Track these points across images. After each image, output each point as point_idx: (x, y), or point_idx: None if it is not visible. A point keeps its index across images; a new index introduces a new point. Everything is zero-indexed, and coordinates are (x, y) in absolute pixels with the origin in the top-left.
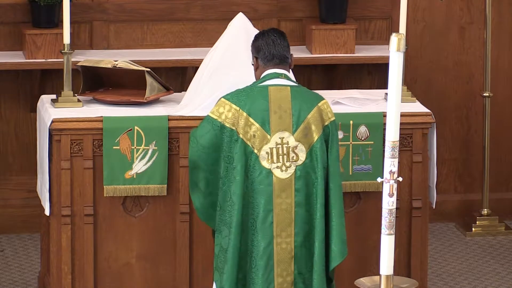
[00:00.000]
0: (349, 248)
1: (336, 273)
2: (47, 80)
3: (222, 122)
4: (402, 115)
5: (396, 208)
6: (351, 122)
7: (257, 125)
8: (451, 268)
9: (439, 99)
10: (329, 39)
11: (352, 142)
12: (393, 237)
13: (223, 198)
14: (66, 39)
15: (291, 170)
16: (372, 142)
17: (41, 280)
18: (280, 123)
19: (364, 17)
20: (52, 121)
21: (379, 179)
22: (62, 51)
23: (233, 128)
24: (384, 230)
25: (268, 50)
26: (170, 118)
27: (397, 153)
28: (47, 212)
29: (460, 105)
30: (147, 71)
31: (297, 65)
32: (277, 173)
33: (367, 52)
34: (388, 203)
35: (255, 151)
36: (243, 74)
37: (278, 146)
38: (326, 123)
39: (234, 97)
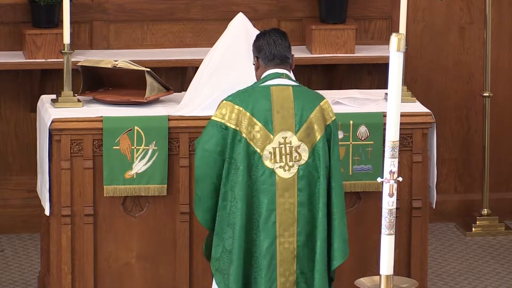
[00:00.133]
0: (349, 248)
1: (336, 273)
2: (47, 80)
3: (226, 123)
4: (402, 115)
5: (396, 208)
6: (351, 122)
7: (260, 125)
8: (451, 268)
9: (439, 99)
10: (329, 39)
11: (352, 142)
12: (393, 237)
13: (223, 198)
14: (66, 39)
15: (294, 169)
16: (372, 142)
17: (41, 280)
18: (283, 123)
19: (364, 17)
20: (52, 121)
21: (379, 179)
22: (62, 51)
23: (237, 128)
24: (384, 230)
25: (269, 50)
26: (170, 118)
27: (397, 153)
28: (47, 212)
29: (460, 105)
30: (147, 71)
31: (297, 65)
32: (280, 173)
33: (367, 52)
34: (388, 203)
35: (258, 151)
36: (243, 74)
37: (281, 145)
38: (328, 123)
39: (236, 98)
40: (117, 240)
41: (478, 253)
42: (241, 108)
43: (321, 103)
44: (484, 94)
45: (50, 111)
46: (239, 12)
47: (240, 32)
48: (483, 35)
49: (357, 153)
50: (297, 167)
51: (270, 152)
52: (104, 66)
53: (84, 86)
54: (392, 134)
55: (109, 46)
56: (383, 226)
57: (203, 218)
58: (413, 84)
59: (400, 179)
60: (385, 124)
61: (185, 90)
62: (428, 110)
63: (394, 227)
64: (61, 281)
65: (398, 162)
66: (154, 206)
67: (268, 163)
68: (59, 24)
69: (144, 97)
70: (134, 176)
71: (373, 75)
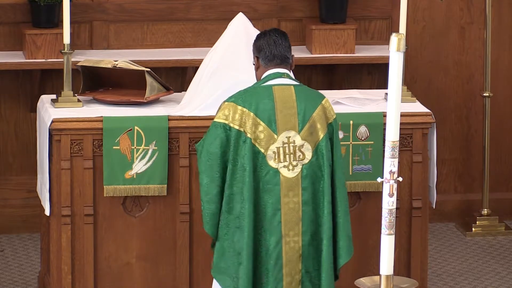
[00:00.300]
0: None
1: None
2: (47, 80)
3: (229, 124)
4: (402, 115)
5: (396, 208)
6: (351, 122)
7: (263, 125)
8: (451, 268)
9: (439, 99)
10: (329, 39)
11: (352, 142)
12: (393, 237)
13: (228, 201)
14: (66, 39)
15: (298, 169)
16: (372, 142)
17: (41, 280)
18: (286, 122)
19: (364, 17)
20: (52, 121)
21: (379, 179)
22: (62, 51)
23: (241, 129)
24: (384, 230)
25: (269, 50)
26: (170, 118)
27: (397, 153)
28: (47, 212)
29: (460, 105)
30: (147, 71)
31: (297, 65)
32: (284, 172)
33: (367, 52)
34: (388, 203)
35: (262, 151)
36: (243, 74)
37: (284, 145)
38: (330, 121)
39: (238, 98)
40: (117, 240)
41: (478, 253)
42: (244, 109)
43: (323, 102)
44: (484, 94)
45: (50, 111)
46: (239, 12)
47: (240, 32)
48: (483, 35)
49: (357, 153)
50: (301, 166)
51: (274, 152)
52: (104, 66)
53: (84, 86)
54: (392, 134)
55: (109, 46)
56: (383, 226)
57: (213, 226)
58: (413, 84)
59: (400, 179)
60: (385, 124)
61: (185, 90)
62: (428, 110)
63: (394, 227)
64: (61, 281)
65: (398, 162)
66: (154, 206)
67: (272, 163)
68: (59, 24)
69: (144, 97)
70: (134, 176)
71: (373, 75)
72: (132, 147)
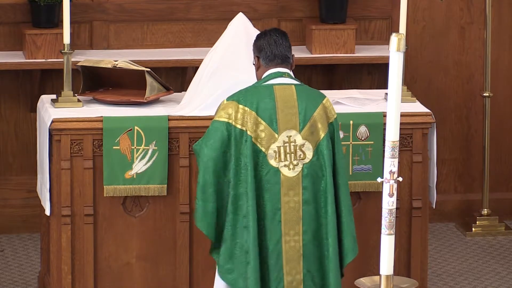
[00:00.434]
0: None
1: None
2: (47, 80)
3: (232, 123)
4: (402, 115)
5: (396, 208)
6: (351, 122)
7: (264, 124)
8: (451, 268)
9: (439, 99)
10: (329, 39)
11: (352, 142)
12: (393, 237)
13: (234, 201)
14: (66, 39)
15: (299, 168)
16: (372, 142)
17: (41, 280)
18: (287, 122)
19: (364, 17)
20: (52, 121)
21: (379, 179)
22: (62, 51)
23: (243, 128)
24: (384, 230)
25: (270, 50)
26: (170, 118)
27: (397, 153)
28: (47, 212)
29: (460, 105)
30: (147, 71)
31: (297, 65)
32: (284, 171)
33: (367, 52)
34: (388, 203)
35: (263, 150)
36: (243, 74)
37: (285, 144)
38: (331, 120)
39: (240, 97)
40: (117, 240)
41: (478, 253)
42: (246, 108)
43: (324, 101)
44: (484, 94)
45: (50, 111)
46: (239, 12)
47: (240, 32)
48: (483, 35)
49: (357, 153)
50: (301, 166)
51: (274, 151)
52: (104, 66)
53: (84, 86)
54: (392, 134)
55: (109, 46)
56: (383, 226)
57: (207, 224)
58: (413, 84)
59: (400, 179)
60: (385, 124)
61: (185, 90)
62: (428, 110)
63: (394, 227)
64: (61, 281)
65: (398, 162)
66: (154, 206)
67: (272, 162)
68: (59, 24)
69: (144, 97)
70: (134, 176)
71: (373, 75)
72: (132, 147)
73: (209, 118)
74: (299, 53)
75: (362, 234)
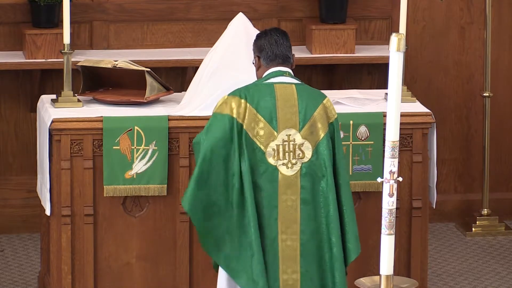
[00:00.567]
0: None
1: None
2: (47, 80)
3: (234, 116)
4: (402, 115)
5: (396, 208)
6: (351, 122)
7: (264, 121)
8: (451, 268)
9: (439, 99)
10: (329, 39)
11: (352, 142)
12: (393, 237)
13: (238, 196)
14: (66, 39)
15: (297, 167)
16: (372, 142)
17: (41, 280)
18: (287, 120)
19: (364, 17)
20: (52, 121)
21: (379, 179)
22: (62, 51)
23: (243, 123)
24: (384, 230)
25: (271, 50)
26: (170, 118)
27: (397, 153)
28: (48, 212)
29: (460, 105)
30: (147, 71)
31: (297, 65)
32: (282, 170)
33: (367, 52)
34: (388, 203)
35: (262, 147)
36: (243, 74)
37: (284, 143)
38: (331, 121)
39: (242, 93)
40: (117, 240)
41: (478, 253)
42: (247, 104)
43: (324, 101)
44: (484, 94)
45: (50, 111)
46: (239, 12)
47: (240, 32)
48: (483, 35)
49: (357, 153)
50: (300, 165)
51: (273, 149)
52: (104, 66)
53: (84, 86)
54: (392, 134)
55: (109, 46)
56: (383, 226)
57: (192, 206)
58: (413, 84)
59: (400, 179)
60: (385, 124)
61: (185, 90)
62: (428, 110)
63: (394, 227)
64: (61, 281)
65: (398, 162)
66: (154, 206)
67: (271, 160)
68: (59, 24)
69: (144, 97)
70: (134, 176)
71: (373, 75)
72: (132, 147)
73: (209, 118)
74: (299, 53)
75: (362, 234)
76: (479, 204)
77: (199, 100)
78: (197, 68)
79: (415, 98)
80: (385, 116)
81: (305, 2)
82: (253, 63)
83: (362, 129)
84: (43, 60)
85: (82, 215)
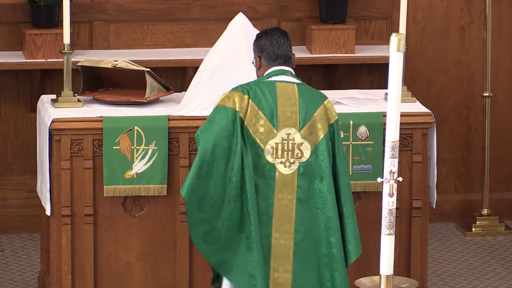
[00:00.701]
0: None
1: None
2: (47, 80)
3: (237, 110)
4: (402, 115)
5: (396, 208)
6: (351, 122)
7: (265, 118)
8: (451, 268)
9: (439, 99)
10: (329, 39)
11: (352, 142)
12: (393, 237)
13: (235, 191)
14: (66, 39)
15: (295, 166)
16: (372, 142)
17: (41, 280)
18: (287, 119)
19: (364, 17)
20: (52, 121)
21: (379, 179)
22: (62, 51)
23: (244, 119)
24: (384, 230)
25: (272, 50)
26: (170, 118)
27: (397, 153)
28: (48, 212)
29: (460, 105)
30: (147, 71)
31: (297, 65)
32: (280, 168)
33: (367, 52)
34: (388, 203)
35: (261, 145)
36: (243, 74)
37: (284, 141)
38: (331, 122)
39: (245, 88)
40: (117, 240)
41: (478, 253)
42: (249, 99)
43: (325, 102)
44: (484, 94)
45: (50, 111)
46: (239, 12)
47: (240, 32)
48: (483, 35)
49: (357, 153)
50: (298, 164)
51: (272, 147)
52: (104, 66)
53: (84, 86)
54: (392, 134)
55: (109, 46)
56: (383, 226)
57: (190, 194)
58: (413, 84)
59: (400, 179)
60: (385, 124)
61: (185, 90)
62: (428, 110)
63: (394, 227)
64: (61, 281)
65: (398, 162)
66: (154, 206)
67: (269, 158)
68: (59, 24)
69: (144, 97)
70: (134, 176)
71: (373, 75)
72: (132, 147)
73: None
74: (299, 53)
75: (362, 234)
76: (479, 204)
77: (199, 100)
78: (197, 68)
79: (415, 98)
80: (385, 116)
81: (305, 2)
82: (253, 63)
83: (362, 129)
84: (43, 60)
85: (82, 215)
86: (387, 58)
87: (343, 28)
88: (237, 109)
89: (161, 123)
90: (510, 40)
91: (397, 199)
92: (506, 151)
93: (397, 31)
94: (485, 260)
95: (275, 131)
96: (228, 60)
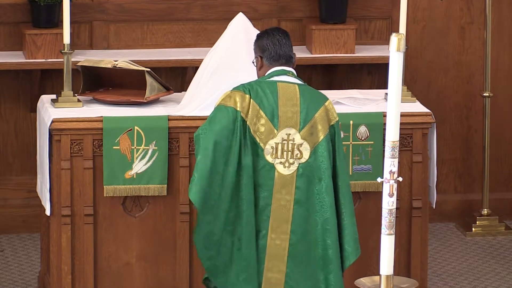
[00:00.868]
0: None
1: None
2: (47, 80)
3: (238, 109)
4: (402, 115)
5: (396, 208)
6: (351, 122)
7: (266, 118)
8: (451, 268)
9: (439, 99)
10: (329, 39)
11: (352, 142)
12: (393, 237)
13: (231, 191)
14: (66, 39)
15: (294, 167)
16: (372, 142)
17: (41, 280)
18: (288, 119)
19: (364, 17)
20: (52, 121)
21: (379, 179)
22: (62, 51)
23: (246, 119)
24: (384, 230)
25: (274, 50)
26: (170, 118)
27: (397, 153)
28: (48, 212)
29: (460, 105)
30: (147, 71)
31: (297, 65)
32: (279, 168)
33: (367, 52)
34: (388, 203)
35: (261, 144)
36: (243, 74)
37: (284, 142)
38: (332, 123)
39: (246, 88)
40: (117, 240)
41: (478, 253)
42: (251, 99)
43: (326, 103)
44: (484, 94)
45: (50, 111)
46: (239, 12)
47: (240, 32)
48: (483, 35)
49: (357, 153)
50: (297, 165)
51: (272, 147)
52: (104, 66)
53: (84, 86)
54: (392, 134)
55: (109, 46)
56: (383, 226)
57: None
58: (413, 84)
59: (400, 179)
60: (385, 124)
61: (185, 90)
62: (428, 110)
63: (394, 227)
64: (61, 281)
65: (398, 162)
66: (154, 206)
67: (268, 158)
68: (59, 24)
69: (144, 97)
70: (134, 176)
71: (373, 75)
72: (132, 147)
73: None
74: (299, 53)
75: (362, 234)
76: (479, 204)
77: (199, 100)
78: (197, 68)
79: (415, 98)
80: (385, 116)
81: (305, 2)
82: (253, 63)
83: (362, 129)
84: (43, 60)
85: (82, 215)
86: (387, 58)
87: (343, 28)
88: (238, 109)
89: (161, 123)
90: (510, 40)
91: (397, 199)
92: (506, 151)
93: (397, 31)
94: (485, 260)
95: (275, 131)
96: (228, 60)
